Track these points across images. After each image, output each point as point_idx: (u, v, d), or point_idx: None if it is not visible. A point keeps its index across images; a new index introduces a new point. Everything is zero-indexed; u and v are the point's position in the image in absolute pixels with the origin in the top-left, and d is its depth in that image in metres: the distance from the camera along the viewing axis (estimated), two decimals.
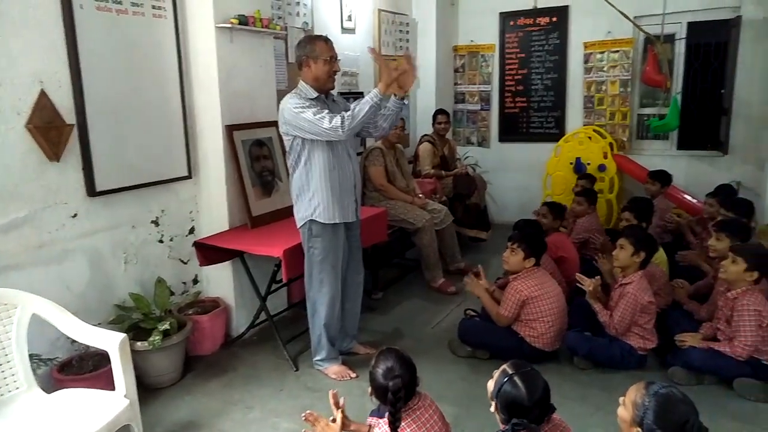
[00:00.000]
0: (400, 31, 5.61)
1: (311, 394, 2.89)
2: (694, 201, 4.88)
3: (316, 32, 4.43)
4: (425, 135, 5.42)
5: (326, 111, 2.69)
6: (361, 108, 2.64)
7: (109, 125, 2.87)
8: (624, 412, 1.63)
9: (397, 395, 1.82)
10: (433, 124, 5.37)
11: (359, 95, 4.97)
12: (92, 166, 2.79)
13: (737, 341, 2.77)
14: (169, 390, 2.96)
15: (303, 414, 1.97)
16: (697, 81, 5.35)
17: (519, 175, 6.04)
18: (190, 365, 3.18)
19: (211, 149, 3.36)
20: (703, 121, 5.40)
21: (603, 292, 3.21)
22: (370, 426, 2.04)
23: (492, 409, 1.79)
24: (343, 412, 1.99)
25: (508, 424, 1.67)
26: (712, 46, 5.23)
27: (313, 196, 2.84)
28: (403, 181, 4.50)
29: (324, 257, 2.91)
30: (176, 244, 3.35)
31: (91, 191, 2.81)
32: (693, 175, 5.22)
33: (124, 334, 2.22)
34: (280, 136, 3.66)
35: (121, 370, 2.16)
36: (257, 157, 3.52)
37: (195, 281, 3.50)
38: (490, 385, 1.80)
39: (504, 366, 1.79)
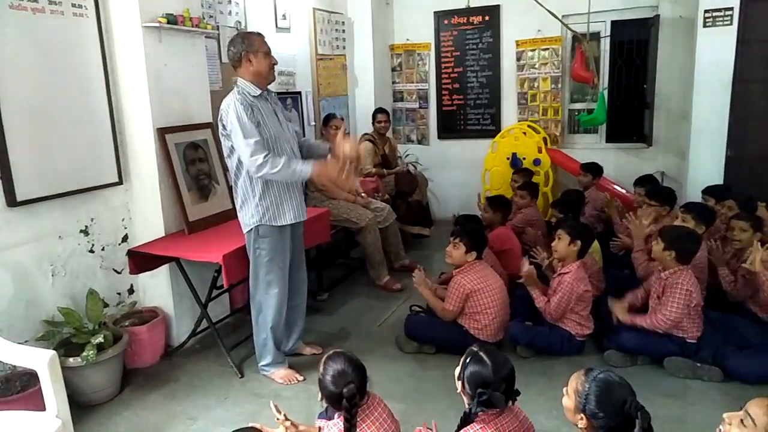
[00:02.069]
0: (336, 30, 5.59)
1: (258, 401, 2.83)
2: (624, 191, 5.12)
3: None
4: (365, 134, 5.42)
5: (255, 140, 2.63)
6: (285, 173, 2.64)
7: (29, 131, 2.71)
8: (568, 401, 1.69)
9: (352, 401, 1.80)
10: (373, 123, 5.38)
11: (296, 95, 4.93)
12: (11, 174, 2.62)
13: (660, 314, 2.92)
14: (106, 406, 2.83)
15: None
16: (622, 77, 5.62)
17: (459, 172, 6.15)
18: (128, 379, 3.04)
19: (142, 153, 3.23)
20: (629, 115, 5.67)
21: (542, 280, 3.33)
22: (320, 428, 2.02)
23: (458, 389, 1.83)
24: (287, 418, 1.96)
25: (474, 400, 1.73)
26: (634, 43, 5.50)
27: (260, 200, 2.78)
28: None
29: (271, 258, 2.86)
30: (108, 253, 3.20)
31: (11, 201, 2.64)
32: (621, 166, 5.48)
33: (53, 351, 2.10)
34: (216, 138, 3.60)
35: (51, 389, 2.05)
36: (192, 161, 3.42)
37: (130, 291, 3.36)
38: (458, 369, 1.84)
39: (469, 348, 1.85)
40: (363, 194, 4.53)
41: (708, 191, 4.13)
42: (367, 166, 5.17)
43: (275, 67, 2.83)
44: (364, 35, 5.89)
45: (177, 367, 3.19)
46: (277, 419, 1.96)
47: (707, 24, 4.48)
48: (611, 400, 1.58)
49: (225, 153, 2.83)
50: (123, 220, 3.29)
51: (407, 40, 6.23)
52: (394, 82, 6.40)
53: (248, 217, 2.81)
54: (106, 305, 3.04)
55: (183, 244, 3.13)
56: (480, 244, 3.26)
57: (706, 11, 4.47)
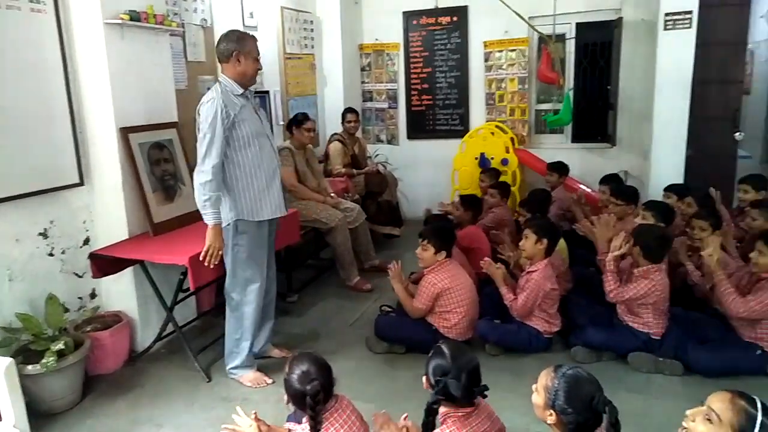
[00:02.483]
0: (305, 29, 5.55)
1: (226, 405, 2.79)
2: (589, 190, 5.22)
3: (216, 29, 4.30)
4: (335, 134, 5.40)
5: (215, 162, 2.63)
6: (203, 201, 2.66)
7: None
8: (537, 398, 1.71)
9: (315, 399, 1.80)
10: (343, 123, 5.36)
11: (264, 94, 4.88)
12: None
13: (623, 288, 3.02)
14: (67, 414, 2.74)
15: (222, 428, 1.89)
16: (587, 78, 5.72)
17: (428, 172, 6.17)
18: (90, 386, 2.96)
19: (104, 154, 3.15)
20: (593, 116, 5.79)
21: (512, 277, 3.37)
22: (289, 431, 2.00)
23: (424, 385, 1.86)
24: (257, 417, 1.94)
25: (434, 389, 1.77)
26: (598, 45, 5.61)
27: (240, 194, 2.77)
28: (314, 180, 4.45)
29: (250, 254, 2.84)
30: (69, 256, 3.10)
31: None
32: (586, 165, 5.59)
33: (10, 359, 2.03)
34: (181, 138, 3.54)
35: (8, 398, 1.98)
36: (157, 161, 3.34)
37: (93, 295, 3.27)
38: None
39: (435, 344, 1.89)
40: (333, 194, 4.50)
41: (669, 189, 4.25)
42: (336, 166, 5.16)
43: (259, 72, 2.87)
44: (333, 35, 5.87)
45: (142, 373, 3.12)
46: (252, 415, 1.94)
47: (668, 27, 4.60)
48: (580, 395, 1.60)
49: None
50: (84, 222, 3.20)
51: (376, 40, 6.23)
52: (363, 82, 6.39)
53: (226, 211, 2.79)
54: (66, 310, 2.95)
55: (148, 247, 3.06)
56: (448, 242, 3.27)
57: (666, 14, 4.58)
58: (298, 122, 4.32)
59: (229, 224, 2.79)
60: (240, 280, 2.88)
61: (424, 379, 1.87)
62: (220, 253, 2.74)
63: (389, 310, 3.56)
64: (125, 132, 3.14)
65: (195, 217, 3.45)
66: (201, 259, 2.71)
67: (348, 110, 5.39)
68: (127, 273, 3.18)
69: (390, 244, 5.37)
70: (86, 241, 3.20)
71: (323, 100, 5.98)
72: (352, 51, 6.19)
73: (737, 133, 4.81)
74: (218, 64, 2.85)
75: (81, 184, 3.13)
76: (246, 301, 2.90)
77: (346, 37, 5.97)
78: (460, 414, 1.80)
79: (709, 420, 1.48)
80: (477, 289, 3.37)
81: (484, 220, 4.39)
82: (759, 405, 1.46)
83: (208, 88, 4.13)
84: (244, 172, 2.77)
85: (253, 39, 2.82)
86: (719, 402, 1.49)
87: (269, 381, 2.96)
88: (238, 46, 2.73)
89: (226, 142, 2.70)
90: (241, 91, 2.77)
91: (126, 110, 3.15)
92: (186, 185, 3.50)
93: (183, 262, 2.79)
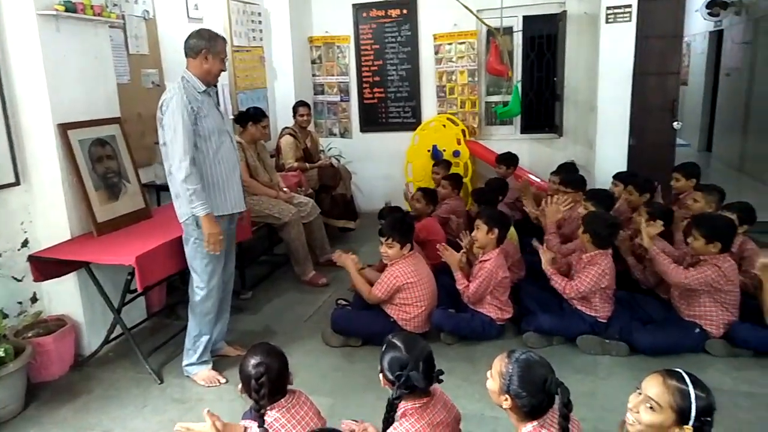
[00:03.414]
0: (252, 21, 5.44)
1: (179, 406, 2.73)
2: (538, 179, 5.35)
3: (160, 21, 4.17)
4: (286, 128, 5.32)
5: (191, 156, 2.64)
6: (188, 196, 2.65)
7: None
8: (492, 384, 1.74)
9: (259, 381, 1.79)
10: (295, 117, 5.29)
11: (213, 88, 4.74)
12: None
13: (573, 284, 3.11)
14: (9, 424, 2.62)
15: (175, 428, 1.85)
16: (534, 70, 5.86)
17: (382, 164, 6.18)
18: (34, 394, 2.84)
19: (42, 151, 3.01)
20: (541, 107, 5.93)
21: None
22: (245, 428, 1.97)
23: (381, 383, 1.85)
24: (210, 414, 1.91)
25: (395, 385, 1.76)
26: (544, 38, 5.75)
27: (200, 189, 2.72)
28: (266, 175, 4.38)
29: None
30: (6, 260, 2.96)
31: None
32: (535, 156, 5.72)
33: None
34: (124, 134, 3.43)
35: None
36: (99, 158, 3.22)
37: (34, 300, 3.13)
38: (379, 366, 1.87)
39: (385, 339, 1.89)
40: (285, 189, 4.45)
41: (616, 177, 4.40)
42: (288, 160, 5.09)
43: (221, 74, 2.87)
44: (282, 27, 5.78)
45: (89, 378, 3.01)
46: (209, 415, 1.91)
47: (609, 20, 4.75)
48: (533, 378, 1.64)
49: (160, 141, 2.76)
50: (22, 223, 3.05)
51: (326, 32, 6.17)
52: (314, 75, 6.33)
53: (186, 205, 2.74)
54: (5, 316, 2.81)
55: (91, 247, 2.94)
56: (410, 234, 3.29)
57: (608, 8, 4.73)
58: (255, 120, 4.24)
59: (188, 219, 2.76)
60: (202, 275, 2.85)
61: (380, 376, 1.86)
62: (221, 238, 2.74)
63: (345, 303, 3.56)
64: (64, 128, 3.00)
65: (141, 215, 3.37)
66: (205, 248, 2.72)
67: (299, 103, 5.32)
68: (71, 275, 3.06)
69: (345, 237, 5.35)
70: (25, 243, 3.05)
71: (273, 94, 5.89)
72: (302, 44, 6.12)
73: (675, 123, 5.01)
74: (186, 59, 2.81)
75: (17, 183, 2.98)
76: (208, 295, 2.89)
77: (296, 29, 5.89)
78: (417, 405, 1.81)
79: (651, 408, 1.55)
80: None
81: (438, 211, 4.44)
82: (688, 379, 1.54)
83: (153, 82, 4.08)
84: (205, 168, 2.75)
85: (224, 41, 2.85)
86: (654, 387, 1.56)
87: (223, 380, 2.92)
88: (209, 44, 2.75)
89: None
90: (203, 88, 2.77)
91: (64, 106, 3.02)
92: (131, 183, 3.39)
93: (129, 262, 2.70)
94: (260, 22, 5.58)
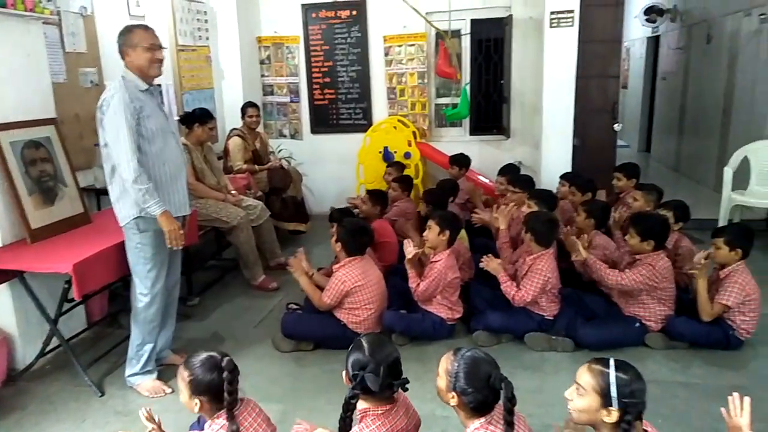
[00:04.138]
0: (198, 19, 5.30)
1: (122, 419, 2.62)
2: (487, 180, 5.44)
3: (98, 18, 4.01)
4: (234, 129, 5.22)
5: (138, 156, 2.56)
6: (141, 197, 2.57)
7: None
8: (440, 382, 1.76)
9: (233, 371, 1.79)
10: (243, 118, 5.19)
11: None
12: None
13: (521, 293, 3.16)
14: None
15: None
16: (482, 73, 5.96)
17: (333, 166, 6.15)
18: None
19: None
20: (489, 109, 6.04)
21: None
22: None
23: (344, 380, 1.83)
24: (154, 421, 1.84)
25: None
26: (491, 41, 5.86)
27: None
28: (214, 178, 4.28)
29: (155, 253, 2.72)
30: None
31: None
32: (484, 157, 5.81)
33: None
34: (61, 135, 3.27)
35: None
36: (33, 161, 3.06)
37: None
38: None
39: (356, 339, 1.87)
40: (234, 192, 4.36)
41: (563, 177, 4.52)
42: (237, 162, 4.99)
43: (160, 62, 2.72)
44: (229, 26, 5.66)
45: (24, 393, 2.85)
46: (152, 430, 1.84)
47: (553, 25, 4.89)
48: (478, 375, 1.67)
49: (101, 142, 2.65)
50: None
51: (275, 32, 6.09)
52: (263, 76, 6.24)
53: (127, 208, 2.65)
54: None
55: (25, 255, 2.80)
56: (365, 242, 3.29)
57: (551, 13, 4.87)
58: (202, 121, 4.13)
59: (129, 222, 2.67)
60: (144, 281, 2.76)
61: (343, 373, 1.84)
62: (182, 233, 2.69)
63: (296, 307, 3.51)
64: None
65: (79, 220, 3.23)
66: (169, 245, 2.65)
67: (248, 104, 5.23)
68: (3, 285, 2.89)
69: (296, 240, 5.29)
70: None
71: (221, 94, 5.77)
72: (250, 44, 6.01)
73: (616, 125, 5.20)
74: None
75: None
76: (151, 302, 2.79)
77: (243, 29, 5.78)
78: (380, 412, 1.79)
79: (578, 393, 1.65)
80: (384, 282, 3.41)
81: (389, 213, 4.45)
82: (611, 363, 1.62)
83: (92, 82, 3.92)
84: (148, 170, 2.65)
85: (141, 29, 2.71)
86: (581, 374, 1.66)
87: (168, 390, 2.83)
88: (123, 39, 2.68)
89: None
90: (145, 86, 2.69)
91: None
92: (69, 186, 3.24)
93: (66, 270, 2.58)
94: (206, 21, 5.45)
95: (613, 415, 1.57)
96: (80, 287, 2.59)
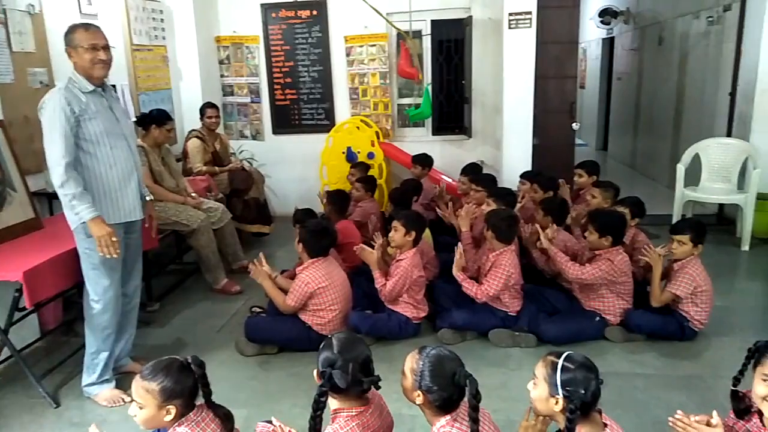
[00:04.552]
0: (154, 18, 5.18)
1: (78, 430, 2.53)
2: (450, 180, 5.49)
3: (47, 16, 3.86)
4: (193, 130, 5.11)
5: (67, 161, 2.45)
6: (69, 202, 2.48)
7: None
8: (405, 381, 1.76)
9: (202, 367, 1.79)
10: (202, 119, 5.09)
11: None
12: None
13: (483, 288, 3.19)
14: None
15: None
16: (443, 73, 6.01)
17: (296, 167, 6.10)
18: None
19: None
20: (451, 109, 6.10)
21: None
22: None
23: (315, 378, 1.82)
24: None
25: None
26: (452, 42, 5.91)
27: (89, 194, 2.54)
28: (172, 180, 4.18)
29: (103, 259, 2.61)
30: None
31: None
32: (446, 156, 5.86)
33: None
34: (8, 138, 3.16)
35: None
36: None
37: None
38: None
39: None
40: (194, 194, 4.26)
41: (523, 176, 4.60)
42: (196, 164, 4.90)
43: (104, 63, 2.61)
44: (186, 25, 5.55)
45: None
46: None
47: (512, 26, 4.97)
48: (443, 372, 1.68)
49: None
50: None
51: (234, 32, 5.99)
52: (222, 76, 6.13)
53: (74, 214, 2.54)
54: None
55: None
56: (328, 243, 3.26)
57: (510, 14, 4.94)
58: (159, 122, 4.02)
59: (78, 227, 2.58)
60: (96, 287, 2.67)
61: (315, 372, 1.83)
62: (114, 240, 2.54)
63: (260, 310, 3.47)
64: None
65: (31, 226, 3.11)
66: (99, 253, 2.52)
67: (207, 105, 5.13)
68: None
69: (260, 242, 5.22)
70: None
71: (179, 95, 5.64)
72: (208, 43, 5.90)
73: (574, 124, 5.33)
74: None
75: None
76: (103, 309, 2.70)
77: (201, 28, 5.68)
78: (353, 413, 1.78)
79: (535, 384, 1.72)
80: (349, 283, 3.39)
81: (353, 214, 4.44)
82: (563, 354, 1.67)
83: (41, 82, 3.77)
84: (93, 174, 2.58)
85: (81, 29, 2.60)
86: (538, 365, 1.73)
87: (127, 399, 2.73)
88: (66, 40, 2.59)
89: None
90: (91, 87, 2.59)
91: None
92: (18, 191, 3.12)
93: (17, 278, 2.48)
94: (162, 20, 5.33)
95: (559, 404, 1.61)
96: (31, 295, 2.50)
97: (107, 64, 2.62)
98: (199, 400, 1.84)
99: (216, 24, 5.99)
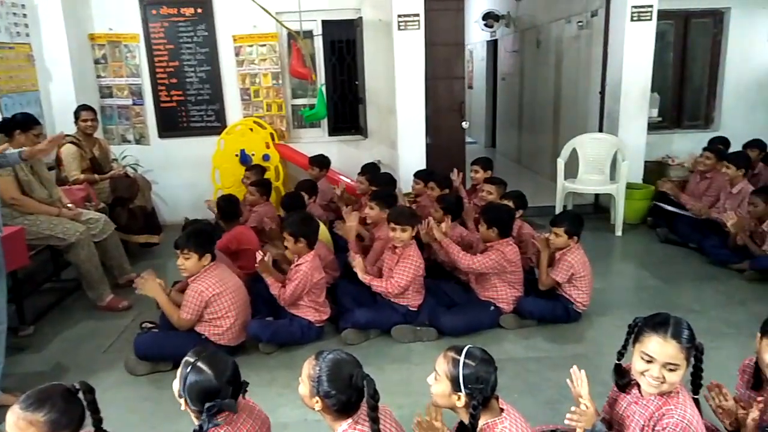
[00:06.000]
0: (14, 14, 4.69)
1: None
2: (349, 180, 5.49)
3: None
4: (68, 135, 4.69)
5: None
6: None
7: None
8: (303, 388, 1.72)
9: (92, 392, 1.65)
10: (77, 123, 4.69)
11: None
12: None
13: (394, 281, 3.24)
14: None
15: None
16: (337, 74, 6.00)
17: (186, 172, 5.80)
18: None
19: None
20: (346, 110, 6.11)
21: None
22: None
23: (182, 407, 1.71)
24: None
25: (203, 414, 1.62)
26: (344, 42, 5.91)
27: None
28: (44, 191, 3.80)
29: None
30: None
31: None
32: (344, 157, 5.87)
33: None
34: None
35: None
36: None
37: None
38: (175, 384, 1.72)
39: (184, 358, 1.72)
40: (70, 205, 3.91)
41: (416, 175, 4.70)
42: (72, 172, 4.51)
43: None
44: (54, 22, 5.08)
45: None
46: None
47: (401, 27, 5.07)
48: (341, 376, 1.66)
49: None
50: None
51: (110, 29, 5.58)
52: (99, 76, 5.69)
53: None
54: None
55: None
56: (209, 244, 3.10)
57: (399, 16, 5.04)
58: (24, 127, 3.63)
59: None
60: None
61: (181, 402, 1.70)
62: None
63: (151, 325, 3.26)
64: None
65: None
66: None
67: (82, 108, 4.73)
68: None
69: (149, 253, 4.92)
70: None
71: (48, 97, 5.15)
72: (81, 41, 5.45)
73: (464, 122, 5.55)
74: None
75: None
76: None
77: (72, 25, 5.23)
78: (219, 422, 1.70)
79: (436, 379, 1.74)
80: (247, 289, 3.28)
81: (249, 219, 4.29)
82: (464, 350, 1.72)
83: None
84: None
85: None
86: (439, 361, 1.76)
87: None
88: None
89: None
90: None
91: None
92: None
93: None
94: (25, 15, 4.85)
95: (461, 400, 1.66)
96: None
97: None
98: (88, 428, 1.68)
99: (89, 20, 5.54)
